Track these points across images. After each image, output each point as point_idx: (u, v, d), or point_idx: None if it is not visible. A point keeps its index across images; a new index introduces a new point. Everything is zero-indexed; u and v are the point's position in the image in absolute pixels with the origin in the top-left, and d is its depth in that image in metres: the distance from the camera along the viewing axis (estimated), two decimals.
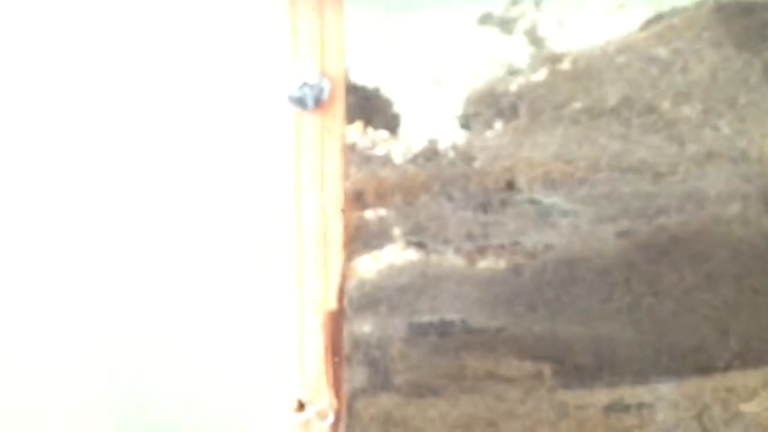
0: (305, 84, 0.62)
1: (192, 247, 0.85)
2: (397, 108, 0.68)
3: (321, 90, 0.62)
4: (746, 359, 0.71)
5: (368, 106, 0.67)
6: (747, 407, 0.71)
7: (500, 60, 0.67)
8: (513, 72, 0.67)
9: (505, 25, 0.67)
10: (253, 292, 0.79)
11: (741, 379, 0.71)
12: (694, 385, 0.71)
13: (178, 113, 0.80)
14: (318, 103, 0.63)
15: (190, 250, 0.85)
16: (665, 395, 0.71)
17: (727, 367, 0.71)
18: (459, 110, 0.67)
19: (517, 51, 0.67)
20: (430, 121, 0.68)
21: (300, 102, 0.62)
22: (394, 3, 0.65)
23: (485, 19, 0.67)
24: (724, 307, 0.70)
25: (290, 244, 0.66)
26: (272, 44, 0.62)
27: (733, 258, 0.69)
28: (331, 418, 0.69)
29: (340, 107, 0.64)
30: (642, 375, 0.71)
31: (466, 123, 0.68)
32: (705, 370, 0.71)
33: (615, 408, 0.71)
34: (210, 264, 0.85)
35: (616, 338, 0.70)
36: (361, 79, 0.66)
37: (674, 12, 0.66)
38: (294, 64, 0.62)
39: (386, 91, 0.67)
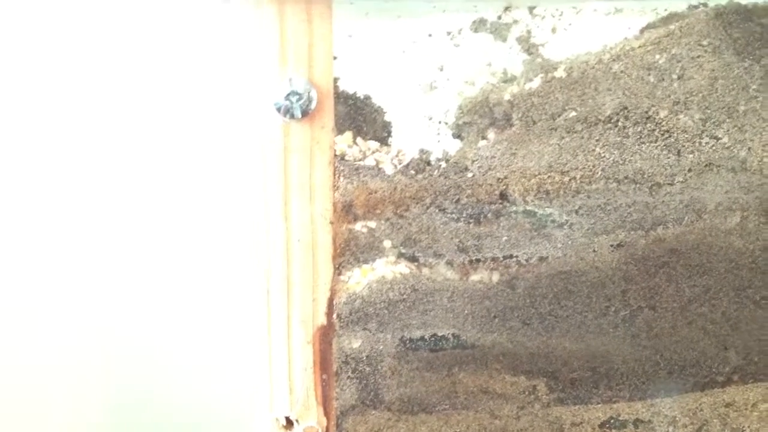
0: (293, 93, 0.60)
1: (179, 260, 0.83)
2: (388, 117, 0.66)
3: (309, 100, 0.61)
4: (746, 373, 0.70)
5: (358, 116, 0.65)
6: (747, 423, 0.70)
7: (494, 68, 0.66)
8: (507, 80, 0.66)
9: (499, 31, 0.65)
10: (241, 306, 0.78)
11: (741, 393, 0.70)
12: (692, 400, 0.70)
13: (167, 123, 0.79)
14: (306, 112, 0.61)
15: (177, 264, 0.83)
16: (663, 411, 0.69)
17: (727, 382, 0.70)
18: (451, 119, 0.66)
19: (512, 58, 0.65)
20: (422, 130, 0.66)
21: (288, 112, 0.61)
22: (385, 10, 0.63)
23: (479, 25, 0.65)
24: (723, 320, 0.68)
25: (278, 257, 0.64)
26: (260, 54, 0.61)
27: (733, 270, 0.67)
28: None
29: (329, 117, 0.62)
30: (639, 390, 0.69)
31: (458, 132, 0.66)
32: (704, 385, 0.70)
33: (611, 424, 0.70)
34: (197, 278, 0.83)
35: (613, 353, 0.68)
36: (351, 88, 0.65)
37: (672, 18, 0.64)
38: (282, 74, 0.60)
39: (377, 100, 0.66)
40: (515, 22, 0.64)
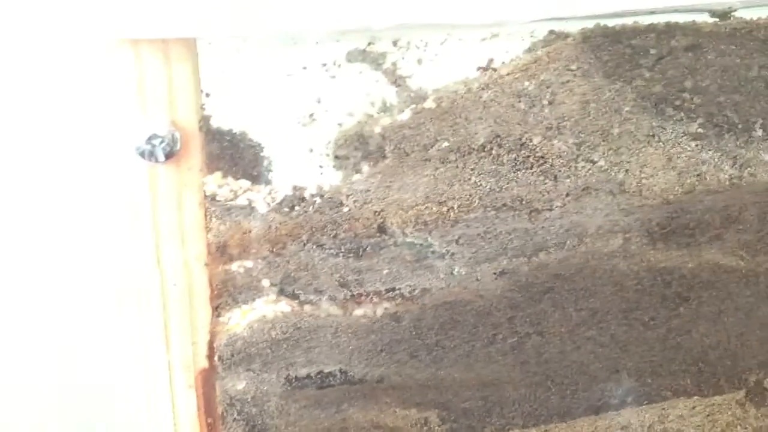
0: (154, 136, 0.59)
1: (53, 311, 0.82)
2: (266, 152, 0.65)
3: (172, 141, 0.60)
4: (640, 395, 0.69)
5: (234, 153, 0.64)
6: None
7: (372, 98, 0.65)
8: (386, 110, 0.65)
9: (374, 61, 0.65)
10: (118, 355, 0.76)
11: (636, 416, 0.69)
12: (587, 424, 0.69)
13: (28, 175, 0.78)
14: (170, 155, 0.60)
15: (51, 315, 0.82)
16: None
17: (621, 404, 0.69)
18: (328, 153, 0.65)
19: (387, 89, 0.65)
20: (301, 165, 0.65)
21: (150, 155, 0.59)
22: (256, 44, 0.62)
23: (353, 55, 0.65)
24: (612, 343, 0.68)
25: (154, 303, 0.63)
26: (118, 97, 0.59)
27: (618, 293, 0.67)
28: None
29: (196, 157, 0.61)
30: (532, 417, 0.69)
31: (336, 166, 0.66)
32: (598, 408, 0.69)
33: None
34: (71, 329, 0.82)
35: (503, 380, 0.68)
36: (226, 125, 0.64)
37: (539, 44, 0.64)
38: (142, 116, 0.59)
39: (255, 136, 0.65)
40: (383, 54, 0.63)
